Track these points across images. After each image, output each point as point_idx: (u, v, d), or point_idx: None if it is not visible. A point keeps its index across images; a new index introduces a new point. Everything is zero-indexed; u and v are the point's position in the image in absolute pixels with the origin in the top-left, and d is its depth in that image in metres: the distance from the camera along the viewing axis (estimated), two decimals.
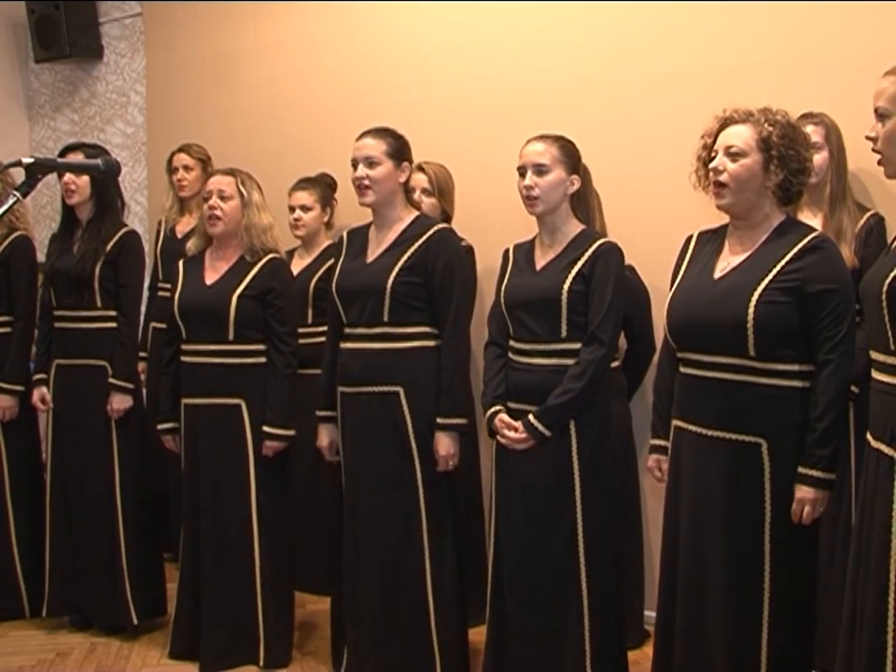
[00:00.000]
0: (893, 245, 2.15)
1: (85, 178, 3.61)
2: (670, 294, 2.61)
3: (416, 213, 3.21)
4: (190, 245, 3.55)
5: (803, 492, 2.38)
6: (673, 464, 2.61)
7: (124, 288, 3.66)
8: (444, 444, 3.05)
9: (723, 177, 2.46)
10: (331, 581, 3.37)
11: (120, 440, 3.66)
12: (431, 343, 3.10)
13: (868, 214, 3.13)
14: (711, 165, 2.49)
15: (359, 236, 3.23)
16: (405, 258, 3.08)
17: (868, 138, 2.19)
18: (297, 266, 4.17)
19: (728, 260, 2.53)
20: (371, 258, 3.15)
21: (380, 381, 3.08)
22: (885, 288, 2.02)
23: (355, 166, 3.11)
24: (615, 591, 2.91)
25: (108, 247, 3.62)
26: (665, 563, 2.62)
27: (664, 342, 2.70)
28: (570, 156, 2.91)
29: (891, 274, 2.01)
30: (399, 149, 3.12)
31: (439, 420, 3.06)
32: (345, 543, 3.19)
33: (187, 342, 3.43)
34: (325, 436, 3.27)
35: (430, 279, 3.06)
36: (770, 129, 2.43)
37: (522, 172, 2.91)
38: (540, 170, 2.87)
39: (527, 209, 2.93)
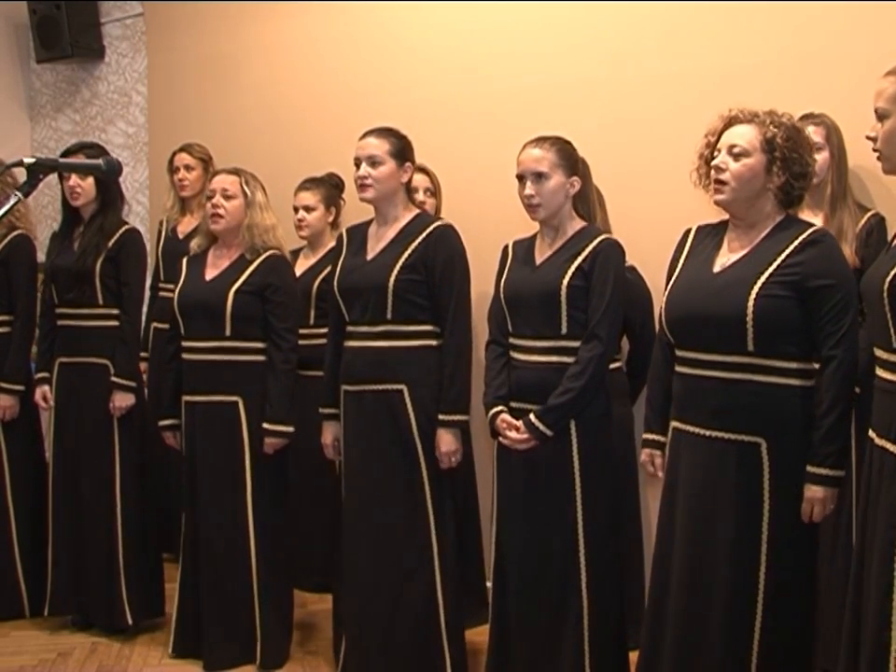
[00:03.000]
0: (894, 243, 2.16)
1: (90, 180, 3.62)
2: (668, 287, 2.61)
3: (416, 211, 3.22)
4: (194, 244, 3.57)
5: (812, 491, 2.37)
6: (671, 464, 2.61)
7: (126, 286, 3.66)
8: (446, 441, 3.05)
9: (724, 176, 2.46)
10: (333, 580, 3.37)
11: (122, 438, 3.66)
12: (434, 342, 3.11)
13: (869, 214, 3.13)
14: (713, 163, 2.49)
15: (359, 233, 3.23)
16: (406, 255, 3.08)
17: (868, 138, 2.19)
18: (301, 266, 4.17)
19: (728, 256, 2.52)
20: (370, 254, 3.15)
21: (384, 379, 3.08)
22: (886, 286, 2.02)
23: (357, 165, 3.12)
24: (616, 591, 2.91)
25: (110, 243, 3.63)
26: (656, 563, 2.61)
27: (658, 334, 2.69)
28: (568, 158, 2.90)
29: (892, 272, 2.02)
30: (402, 150, 3.13)
31: (440, 417, 3.06)
32: (345, 541, 3.19)
33: (186, 338, 3.44)
34: (328, 433, 3.28)
35: (430, 276, 3.07)
36: (775, 130, 2.43)
37: (521, 179, 2.90)
38: (540, 177, 2.87)
39: (529, 216, 2.93)
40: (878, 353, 2.11)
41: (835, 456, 2.37)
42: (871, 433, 2.14)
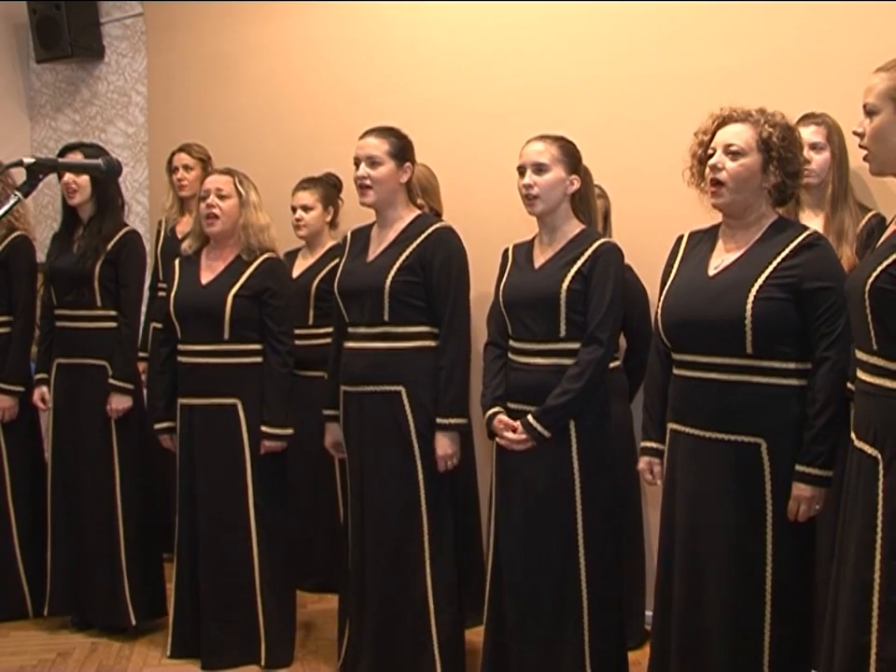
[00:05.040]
0: (877, 245, 2.15)
1: (85, 178, 3.61)
2: (663, 293, 2.61)
3: (417, 212, 3.21)
4: (186, 246, 3.55)
5: (800, 490, 2.38)
6: (669, 467, 2.60)
7: (125, 288, 3.66)
8: (443, 444, 3.05)
9: (722, 175, 2.46)
10: (332, 579, 3.37)
11: (120, 439, 3.66)
12: (433, 343, 3.10)
13: (870, 214, 3.13)
14: (710, 163, 2.48)
15: (362, 236, 3.23)
16: (403, 256, 3.07)
17: (856, 133, 2.18)
18: (300, 266, 4.17)
19: (722, 258, 2.52)
20: (371, 257, 3.15)
21: (381, 380, 3.08)
22: (867, 288, 2.02)
23: (357, 165, 3.11)
24: (615, 592, 2.91)
25: (109, 246, 3.63)
26: (661, 566, 2.62)
27: (654, 341, 2.69)
28: (570, 156, 2.91)
29: (873, 274, 2.02)
30: (402, 149, 3.12)
31: (438, 420, 3.05)
32: (350, 541, 3.19)
33: (183, 342, 3.43)
34: (331, 435, 3.28)
35: (428, 278, 3.06)
36: (770, 130, 2.44)
37: (521, 171, 2.91)
38: (540, 169, 2.87)
39: (527, 209, 2.93)
40: (859, 355, 2.11)
41: (825, 456, 2.38)
42: (851, 435, 2.14)
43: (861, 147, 2.17)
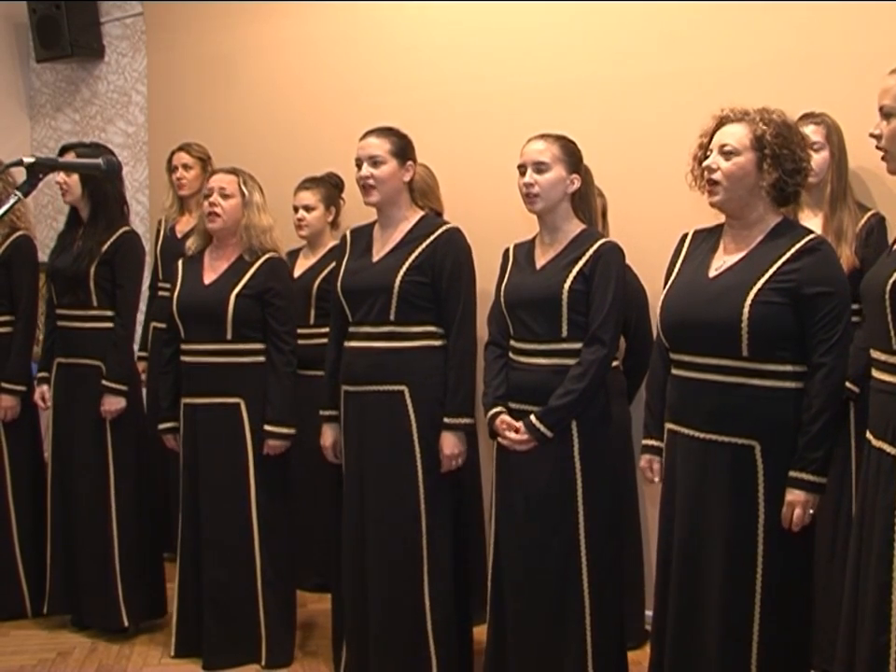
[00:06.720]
0: (895, 247, 2.15)
1: (75, 177, 3.60)
2: (664, 292, 2.61)
3: (422, 212, 3.21)
4: (190, 244, 3.56)
5: (794, 496, 2.38)
6: (668, 467, 2.61)
7: (121, 289, 3.65)
8: (450, 444, 3.06)
9: (716, 175, 2.46)
10: (332, 579, 3.37)
11: (115, 440, 3.64)
12: (437, 343, 3.11)
13: (869, 213, 3.13)
14: (705, 164, 2.49)
15: (363, 235, 3.23)
16: (413, 257, 3.08)
17: (872, 135, 2.18)
18: (301, 266, 4.17)
19: (723, 259, 2.52)
20: (376, 257, 3.15)
21: (385, 380, 3.08)
22: (888, 288, 2.02)
23: (359, 165, 3.11)
24: (616, 591, 2.91)
25: (105, 247, 3.61)
26: (660, 566, 2.62)
27: (656, 340, 2.69)
28: (571, 155, 2.91)
29: (895, 274, 2.01)
30: (403, 148, 3.12)
31: (446, 420, 3.05)
32: (346, 541, 3.19)
33: (186, 341, 3.44)
34: (328, 435, 3.27)
35: (438, 279, 3.07)
36: (764, 128, 2.43)
37: (522, 170, 2.91)
38: (540, 168, 2.87)
39: (527, 207, 2.93)
40: (876, 355, 2.11)
41: (819, 462, 2.38)
42: (868, 434, 2.14)
43: (878, 148, 2.16)
